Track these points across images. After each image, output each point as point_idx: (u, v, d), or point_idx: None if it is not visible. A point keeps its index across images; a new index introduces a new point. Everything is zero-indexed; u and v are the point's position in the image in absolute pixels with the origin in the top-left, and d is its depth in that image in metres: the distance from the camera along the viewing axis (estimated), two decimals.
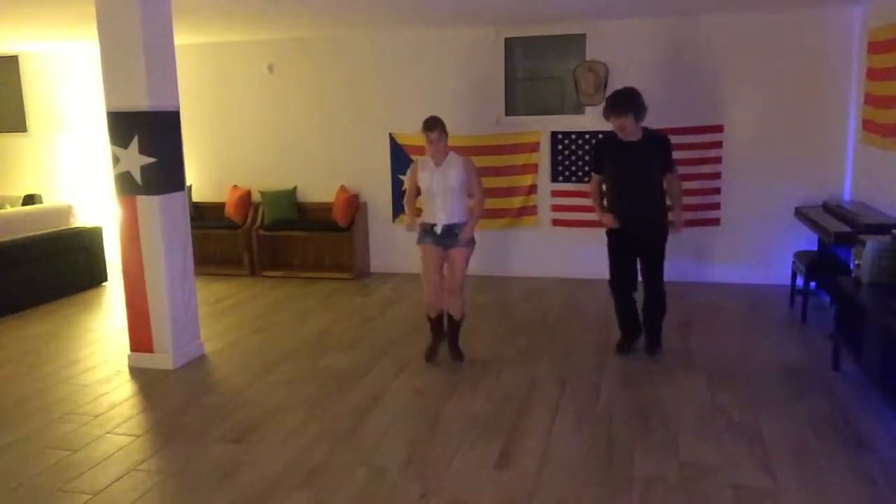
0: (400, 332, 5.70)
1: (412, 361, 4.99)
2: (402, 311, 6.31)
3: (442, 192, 4.72)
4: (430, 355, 4.98)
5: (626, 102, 4.56)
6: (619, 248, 4.88)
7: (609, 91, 6.85)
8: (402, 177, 7.49)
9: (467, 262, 4.83)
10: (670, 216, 4.85)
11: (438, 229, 4.76)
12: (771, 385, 4.44)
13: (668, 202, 4.87)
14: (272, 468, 3.56)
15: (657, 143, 4.73)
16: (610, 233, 4.89)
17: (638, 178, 4.70)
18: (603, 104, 4.70)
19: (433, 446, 3.76)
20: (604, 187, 4.92)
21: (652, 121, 6.77)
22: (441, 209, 4.75)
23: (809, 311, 5.68)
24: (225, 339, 5.64)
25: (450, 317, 4.95)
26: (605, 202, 4.90)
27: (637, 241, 4.82)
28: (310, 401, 4.39)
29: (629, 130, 4.60)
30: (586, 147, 7.06)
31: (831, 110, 6.52)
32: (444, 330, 5.00)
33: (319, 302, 6.72)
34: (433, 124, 4.72)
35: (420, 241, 4.86)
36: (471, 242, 4.83)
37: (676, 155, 6.82)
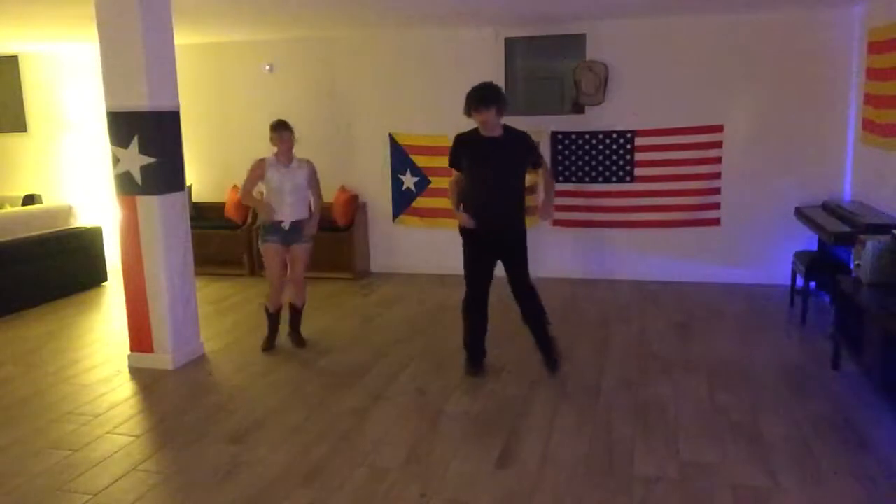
0: (400, 332, 5.70)
1: (412, 361, 4.99)
2: (402, 311, 6.31)
3: (291, 190, 5.08)
4: (271, 346, 5.34)
5: (490, 96, 4.42)
6: (478, 252, 4.62)
7: (609, 91, 6.91)
8: (402, 177, 7.51)
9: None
10: (534, 202, 4.62)
11: (286, 225, 5.12)
12: (771, 385, 4.44)
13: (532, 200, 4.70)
14: (272, 468, 3.56)
15: (518, 139, 4.58)
16: (466, 234, 4.63)
17: (498, 174, 4.53)
18: (465, 99, 4.49)
19: (433, 446, 3.76)
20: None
21: (652, 120, 6.83)
22: (289, 206, 5.12)
23: (809, 311, 5.68)
24: (225, 339, 5.64)
25: (294, 306, 5.39)
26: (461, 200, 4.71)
27: (497, 243, 4.60)
28: (310, 401, 4.39)
29: (491, 125, 4.47)
30: (586, 147, 7.06)
31: (831, 110, 6.52)
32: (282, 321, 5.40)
33: (319, 302, 6.71)
34: (286, 125, 5.11)
35: (266, 239, 5.17)
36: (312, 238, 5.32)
37: (677, 155, 6.93)
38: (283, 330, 5.43)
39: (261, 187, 5.21)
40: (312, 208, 5.33)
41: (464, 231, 4.65)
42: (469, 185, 4.61)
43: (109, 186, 5.36)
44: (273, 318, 5.35)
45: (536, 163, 4.73)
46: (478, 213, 4.56)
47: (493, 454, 3.64)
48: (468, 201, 4.62)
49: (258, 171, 5.14)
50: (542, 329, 4.74)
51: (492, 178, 4.53)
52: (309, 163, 5.23)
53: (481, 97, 4.43)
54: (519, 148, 4.59)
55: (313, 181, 5.24)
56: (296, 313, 5.40)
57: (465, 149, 4.62)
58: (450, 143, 7.22)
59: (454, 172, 4.74)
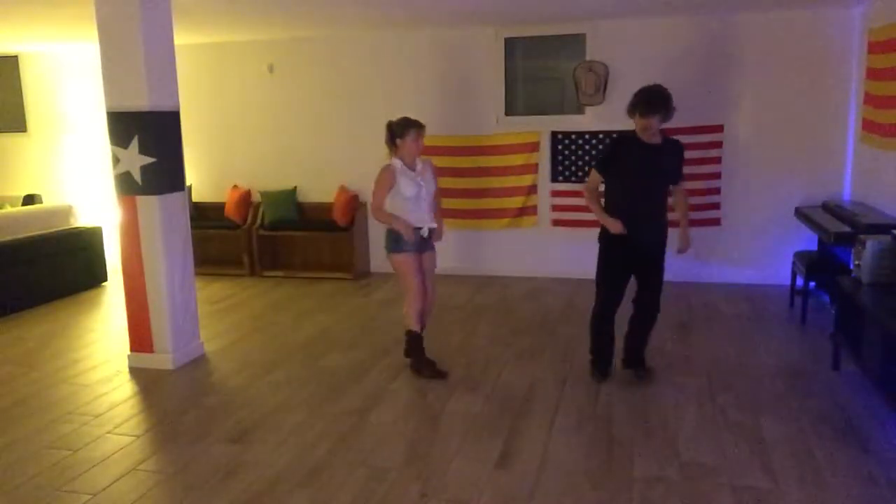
0: (400, 332, 5.67)
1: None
2: (402, 311, 6.29)
3: (427, 196, 4.61)
4: (439, 373, 4.69)
5: (658, 103, 4.15)
6: (618, 262, 4.39)
7: (609, 91, 6.91)
8: None
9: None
10: (679, 233, 4.45)
11: (425, 233, 4.63)
12: (771, 385, 4.44)
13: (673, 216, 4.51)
14: (272, 468, 3.56)
15: (676, 148, 4.36)
16: (608, 242, 4.39)
17: (654, 183, 4.33)
18: (632, 98, 4.23)
19: (433, 446, 3.76)
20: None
21: None
22: (427, 213, 4.63)
23: (809, 311, 5.68)
24: (225, 339, 5.64)
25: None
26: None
27: (639, 255, 4.37)
28: (310, 401, 4.39)
29: (652, 132, 4.21)
30: (586, 147, 7.07)
31: (831, 110, 6.52)
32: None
33: (319, 302, 6.72)
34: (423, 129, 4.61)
35: (402, 249, 4.59)
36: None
37: None
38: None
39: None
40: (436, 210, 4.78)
41: (605, 238, 4.39)
42: (619, 191, 4.36)
43: (109, 186, 5.36)
44: (419, 340, 4.70)
45: (681, 176, 4.44)
46: (631, 221, 4.28)
47: (493, 454, 3.64)
48: (616, 208, 4.34)
49: (389, 180, 4.53)
50: (643, 342, 4.63)
51: (646, 187, 4.31)
52: (430, 161, 4.76)
53: (648, 102, 4.15)
54: (674, 158, 4.35)
55: (437, 181, 4.76)
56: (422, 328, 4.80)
57: (622, 153, 4.32)
58: (449, 143, 7.36)
59: (592, 175, 4.44)
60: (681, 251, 4.46)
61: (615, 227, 4.27)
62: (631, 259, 4.39)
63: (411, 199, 4.55)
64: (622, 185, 4.35)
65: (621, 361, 4.66)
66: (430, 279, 4.76)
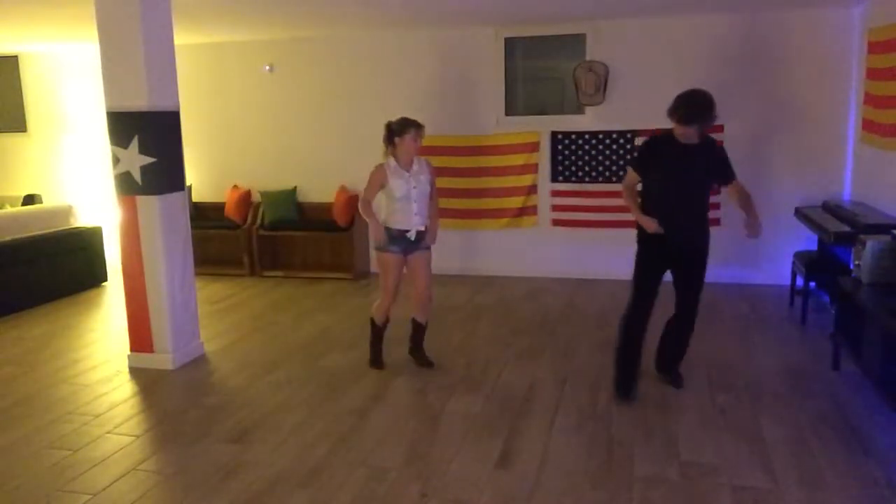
0: (400, 332, 5.68)
1: (412, 361, 4.98)
2: (402, 312, 6.29)
3: (418, 198, 4.59)
4: (377, 363, 4.91)
5: (694, 114, 4.06)
6: (654, 263, 4.31)
7: (609, 91, 6.91)
8: None
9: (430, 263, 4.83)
10: (746, 221, 4.30)
11: (411, 235, 4.61)
12: (771, 385, 4.44)
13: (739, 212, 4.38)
14: (272, 468, 3.56)
15: (714, 148, 4.29)
16: (648, 241, 4.29)
17: (690, 183, 4.22)
18: (672, 102, 4.13)
19: (433, 446, 3.76)
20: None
21: (652, 121, 6.82)
22: (417, 214, 4.61)
23: (809, 311, 5.68)
24: (225, 339, 5.64)
25: (418, 323, 4.89)
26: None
27: (677, 257, 4.29)
28: (310, 401, 4.39)
29: (689, 137, 4.15)
30: (586, 147, 7.07)
31: (831, 110, 6.52)
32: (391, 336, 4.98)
33: (319, 302, 6.72)
34: (419, 123, 4.60)
35: (385, 248, 4.63)
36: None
37: None
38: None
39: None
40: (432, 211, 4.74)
41: (642, 238, 4.32)
42: (655, 190, 4.29)
43: (109, 186, 5.36)
44: (379, 332, 4.88)
45: (727, 178, 4.32)
46: (666, 223, 4.21)
47: (493, 454, 3.64)
48: (652, 207, 4.27)
49: (380, 179, 4.60)
50: (677, 348, 4.53)
51: (681, 187, 4.22)
52: (427, 162, 4.71)
53: (688, 113, 4.07)
54: (712, 158, 4.25)
55: (434, 182, 4.73)
56: (420, 330, 4.89)
57: (658, 153, 4.26)
58: (449, 143, 7.36)
59: (629, 173, 4.42)
60: (750, 236, 4.29)
61: (650, 225, 4.21)
62: (666, 260, 4.31)
63: (401, 200, 4.57)
64: (658, 184, 4.30)
65: (654, 362, 4.59)
66: (422, 279, 4.74)
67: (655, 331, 4.48)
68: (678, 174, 4.21)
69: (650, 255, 4.30)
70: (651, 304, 4.33)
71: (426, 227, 4.67)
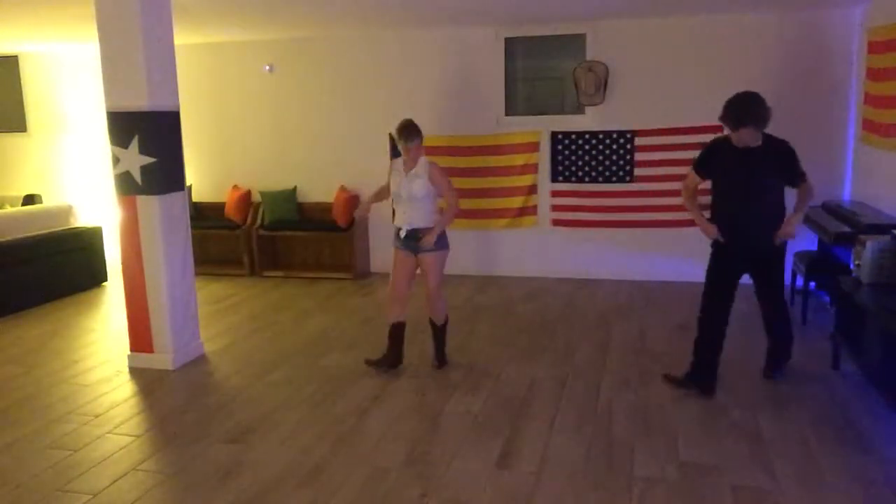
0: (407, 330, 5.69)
1: (412, 362, 4.98)
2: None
3: (409, 199, 4.65)
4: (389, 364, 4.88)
5: (745, 114, 4.01)
6: (725, 266, 4.34)
7: (609, 91, 6.91)
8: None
9: (441, 264, 4.81)
10: (786, 219, 4.26)
11: (402, 233, 4.72)
12: (771, 385, 4.44)
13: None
14: (272, 468, 3.56)
15: (780, 150, 4.17)
16: (719, 245, 4.34)
17: (752, 186, 4.18)
18: (722, 110, 4.10)
19: (433, 446, 3.76)
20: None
21: (652, 120, 6.83)
22: (405, 213, 4.71)
23: (809, 311, 5.68)
24: (225, 339, 5.64)
25: (433, 323, 4.94)
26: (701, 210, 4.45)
27: (748, 259, 4.33)
28: (310, 401, 4.39)
29: (745, 141, 4.10)
30: (586, 147, 7.07)
31: (831, 110, 6.53)
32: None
33: (319, 302, 6.72)
34: (409, 134, 4.60)
35: (394, 243, 4.83)
36: (439, 245, 4.73)
37: (677, 155, 6.91)
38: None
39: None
40: (441, 213, 4.77)
41: (715, 242, 4.37)
42: (721, 196, 4.31)
43: (109, 186, 5.36)
44: (391, 331, 4.83)
45: (792, 180, 4.24)
46: (730, 228, 4.26)
47: (493, 454, 3.64)
48: (720, 213, 4.31)
49: (389, 171, 4.83)
50: (780, 341, 4.52)
51: (743, 191, 4.19)
52: (429, 168, 4.66)
53: (736, 118, 4.04)
54: (778, 160, 4.17)
55: (439, 186, 4.67)
56: (435, 330, 4.92)
57: (719, 156, 4.26)
58: (450, 143, 7.36)
59: (690, 175, 4.43)
60: (779, 236, 4.23)
61: (710, 231, 4.30)
62: (737, 264, 4.33)
63: (395, 197, 4.75)
64: (721, 188, 4.31)
65: (761, 371, 4.57)
66: (427, 279, 4.81)
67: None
68: (738, 179, 4.19)
69: (719, 259, 4.34)
70: (723, 307, 4.37)
71: (423, 228, 4.67)
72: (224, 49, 7.90)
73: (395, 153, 4.76)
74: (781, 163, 4.18)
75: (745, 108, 4.03)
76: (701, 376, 4.36)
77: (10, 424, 4.16)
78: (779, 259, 4.38)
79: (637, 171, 6.96)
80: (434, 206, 4.73)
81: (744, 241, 4.28)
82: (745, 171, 4.15)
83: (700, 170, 4.38)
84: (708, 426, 3.90)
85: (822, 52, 6.47)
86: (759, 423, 3.92)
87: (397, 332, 4.85)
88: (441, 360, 4.92)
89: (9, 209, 7.54)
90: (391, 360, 4.85)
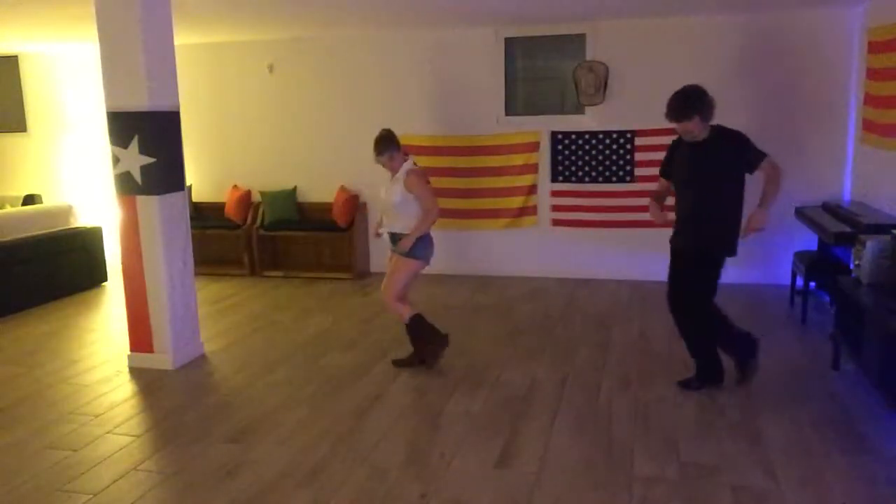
0: (400, 332, 5.68)
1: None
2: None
3: (387, 204, 4.75)
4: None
5: (678, 106, 4.02)
6: (672, 256, 4.37)
7: (609, 91, 6.91)
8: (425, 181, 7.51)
9: (406, 272, 4.75)
10: (751, 212, 4.11)
11: (383, 234, 4.86)
12: (771, 385, 4.44)
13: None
14: (272, 468, 3.56)
15: (725, 140, 4.09)
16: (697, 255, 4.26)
17: (699, 182, 4.13)
18: (665, 107, 4.12)
19: (433, 446, 3.76)
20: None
21: (652, 120, 6.82)
22: (385, 215, 4.83)
23: (809, 311, 5.68)
24: (225, 339, 5.64)
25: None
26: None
27: (675, 255, 4.33)
28: (310, 401, 4.39)
29: (694, 132, 4.06)
30: (586, 147, 7.07)
31: (831, 110, 6.52)
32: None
33: (319, 302, 6.72)
34: (379, 145, 4.66)
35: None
36: (412, 254, 4.68)
37: None
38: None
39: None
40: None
41: (707, 251, 4.26)
42: (677, 194, 4.29)
43: (109, 186, 5.36)
44: (412, 322, 4.80)
45: (752, 163, 4.12)
46: (678, 228, 4.27)
47: (493, 454, 3.64)
48: (676, 211, 4.29)
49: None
50: (688, 347, 4.41)
51: (691, 188, 4.16)
52: (406, 175, 4.64)
53: (668, 109, 4.07)
54: (726, 150, 4.09)
55: (415, 192, 4.63)
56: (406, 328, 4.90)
57: (673, 155, 4.26)
58: (449, 143, 7.36)
59: (659, 182, 4.46)
60: (750, 227, 4.12)
61: (657, 217, 4.34)
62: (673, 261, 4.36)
63: (381, 200, 4.87)
64: (676, 186, 4.31)
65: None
66: (386, 280, 4.86)
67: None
68: (686, 175, 4.20)
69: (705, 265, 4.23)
70: (672, 300, 4.40)
71: (400, 234, 4.69)
72: (224, 49, 7.90)
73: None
74: (733, 149, 4.11)
75: (683, 101, 4.03)
76: (710, 372, 4.36)
77: (10, 424, 4.16)
78: (694, 262, 4.21)
79: (637, 171, 6.96)
80: (413, 212, 4.67)
81: (682, 234, 4.26)
82: (695, 163, 4.14)
83: (662, 174, 4.39)
84: (708, 426, 3.90)
85: (822, 52, 6.47)
86: (759, 423, 3.92)
87: (417, 323, 4.80)
88: (413, 358, 4.86)
89: (9, 209, 7.54)
90: (438, 345, 4.79)
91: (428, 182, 4.77)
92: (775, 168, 4.15)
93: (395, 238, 4.74)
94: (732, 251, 4.21)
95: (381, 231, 4.87)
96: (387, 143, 4.65)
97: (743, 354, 4.36)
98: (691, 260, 4.24)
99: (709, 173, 4.12)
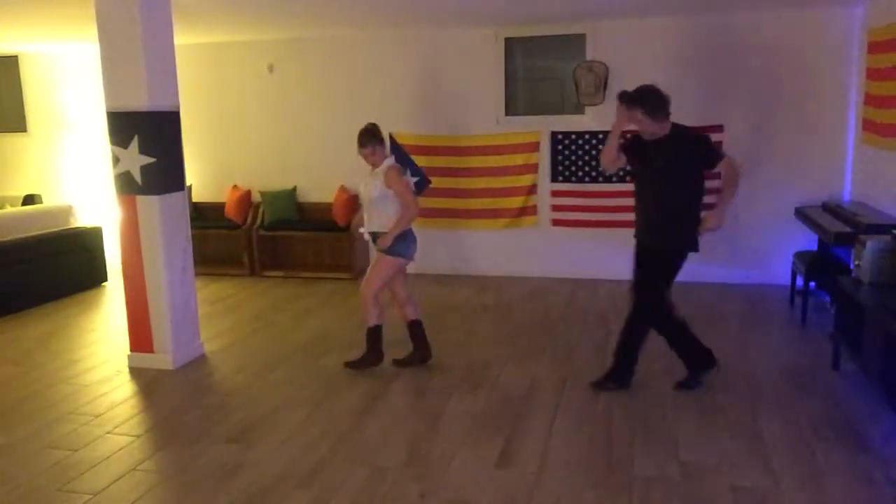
0: (400, 332, 5.68)
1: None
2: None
3: (366, 202, 4.74)
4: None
5: (634, 102, 4.08)
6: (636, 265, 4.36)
7: (609, 91, 6.89)
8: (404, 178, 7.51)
9: (386, 269, 4.72)
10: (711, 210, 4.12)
11: (364, 233, 4.82)
12: (771, 385, 4.44)
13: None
14: (272, 468, 3.56)
15: (681, 139, 4.12)
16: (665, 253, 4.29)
17: (654, 181, 4.17)
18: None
19: (433, 446, 3.76)
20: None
21: None
22: (366, 213, 4.79)
23: (809, 311, 5.68)
24: (225, 339, 5.64)
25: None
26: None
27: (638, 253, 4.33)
28: (310, 401, 4.39)
29: (643, 128, 4.12)
30: (586, 147, 7.07)
31: (831, 110, 6.52)
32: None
33: (319, 302, 6.72)
34: (362, 138, 4.65)
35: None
36: (392, 251, 4.65)
37: None
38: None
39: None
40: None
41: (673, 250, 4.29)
42: (636, 190, 4.32)
43: (109, 186, 5.36)
44: (412, 330, 4.90)
45: (712, 160, 4.13)
46: (636, 226, 4.31)
47: (493, 454, 3.64)
48: (635, 208, 4.34)
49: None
50: (679, 340, 4.36)
51: (646, 186, 4.20)
52: (386, 171, 4.61)
53: (623, 96, 4.12)
54: (684, 148, 4.09)
55: (394, 188, 4.59)
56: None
57: (634, 149, 4.25)
58: (449, 143, 7.36)
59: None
60: (705, 227, 4.11)
61: (619, 124, 4.26)
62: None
63: (360, 195, 4.86)
64: (634, 184, 4.36)
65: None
66: (365, 278, 4.85)
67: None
68: (643, 172, 4.25)
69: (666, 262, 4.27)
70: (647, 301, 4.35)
71: (379, 232, 4.67)
72: (224, 49, 7.90)
73: (396, 155, 4.72)
74: (690, 146, 4.13)
75: (633, 97, 4.09)
76: (699, 360, 4.36)
77: (10, 424, 4.16)
78: (651, 260, 4.24)
79: None
80: (391, 209, 4.64)
81: (638, 234, 4.29)
82: (651, 165, 4.16)
83: (627, 152, 4.29)
84: (708, 426, 3.90)
85: (822, 52, 6.47)
86: (759, 423, 3.92)
87: (373, 333, 4.82)
88: (413, 358, 4.86)
89: (9, 209, 7.54)
90: (421, 354, 4.87)
91: (408, 181, 4.76)
92: (733, 168, 4.19)
93: (375, 237, 4.73)
94: (693, 247, 4.22)
95: (361, 230, 4.86)
96: (370, 137, 4.65)
97: (693, 364, 4.38)
98: (649, 258, 4.27)
99: (665, 170, 4.13)
